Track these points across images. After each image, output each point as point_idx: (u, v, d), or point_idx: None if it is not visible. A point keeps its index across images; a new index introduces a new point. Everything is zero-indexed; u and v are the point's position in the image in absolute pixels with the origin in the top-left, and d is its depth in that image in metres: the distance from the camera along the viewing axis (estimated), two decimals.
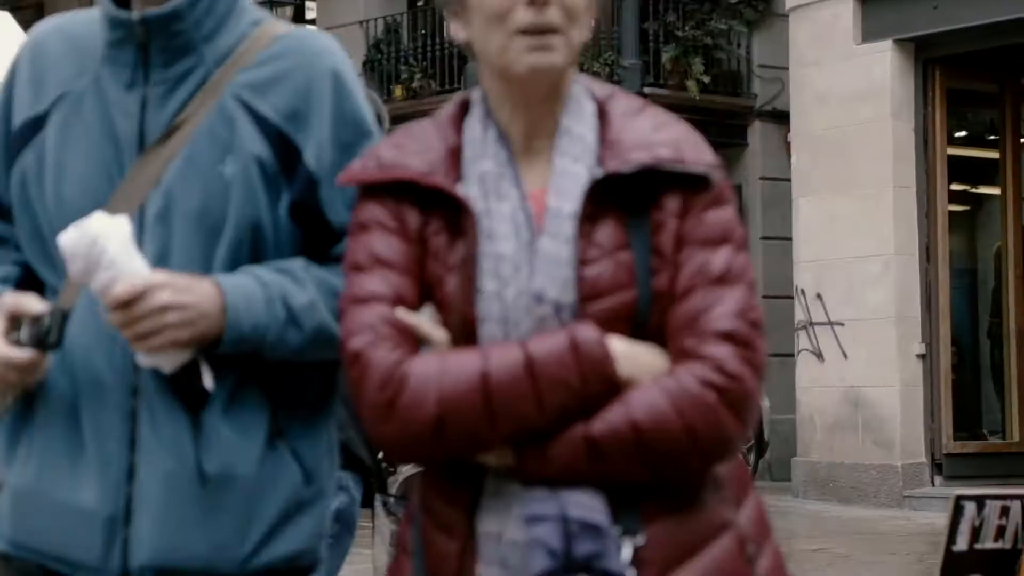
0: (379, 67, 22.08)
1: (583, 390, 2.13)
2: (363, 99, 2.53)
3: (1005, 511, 3.96)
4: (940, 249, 14.07)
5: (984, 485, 10.78)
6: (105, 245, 2.32)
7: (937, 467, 14.03)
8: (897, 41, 14.11)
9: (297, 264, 2.46)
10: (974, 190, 16.19)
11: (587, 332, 2.15)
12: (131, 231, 2.36)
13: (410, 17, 22.38)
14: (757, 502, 2.33)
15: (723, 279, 2.20)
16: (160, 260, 2.42)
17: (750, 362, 2.17)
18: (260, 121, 2.46)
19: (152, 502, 2.43)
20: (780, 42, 16.54)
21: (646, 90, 20.35)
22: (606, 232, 2.21)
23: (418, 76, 21.51)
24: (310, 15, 24.54)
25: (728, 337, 2.16)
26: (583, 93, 2.30)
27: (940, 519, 4.31)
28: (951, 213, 14.51)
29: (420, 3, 22.80)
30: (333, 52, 2.55)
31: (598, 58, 20.74)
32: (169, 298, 2.33)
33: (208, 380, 2.39)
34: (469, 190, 2.23)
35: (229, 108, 2.46)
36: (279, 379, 2.48)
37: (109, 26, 2.50)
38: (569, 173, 2.23)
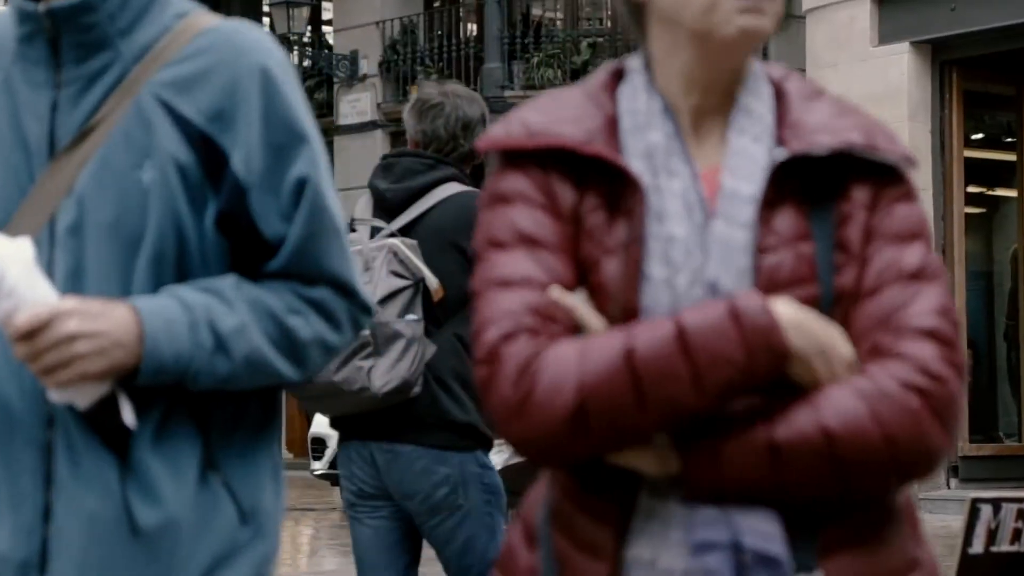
0: (395, 68, 22.09)
1: (748, 366, 1.84)
2: (298, 100, 2.28)
3: (1021, 514, 3.95)
4: (956, 251, 14.04)
5: (1000, 488, 10.75)
6: (4, 271, 2.11)
7: (953, 469, 13.99)
8: (914, 43, 14.08)
9: (227, 283, 2.22)
10: (990, 192, 16.16)
11: (749, 299, 1.87)
12: (35, 254, 2.14)
13: (426, 18, 22.39)
14: (926, 539, 2.05)
15: (918, 275, 1.94)
16: (74, 277, 2.20)
17: (954, 364, 1.91)
18: (181, 123, 2.22)
19: (71, 546, 2.19)
20: (797, 44, 16.51)
21: None
22: (786, 220, 1.95)
23: (434, 77, 21.51)
24: (326, 15, 24.57)
25: (931, 335, 1.90)
26: (761, 71, 2.07)
27: (956, 522, 4.31)
28: (967, 215, 14.48)
29: (436, 3, 22.82)
30: (264, 48, 2.27)
31: (614, 59, 20.72)
32: (77, 326, 2.10)
33: (129, 416, 2.16)
34: (632, 164, 1.97)
35: (147, 108, 2.22)
36: (211, 404, 2.24)
37: (18, 20, 2.27)
38: (747, 153, 1.99)
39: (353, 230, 4.75)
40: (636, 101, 2.02)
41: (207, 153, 2.22)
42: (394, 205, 4.78)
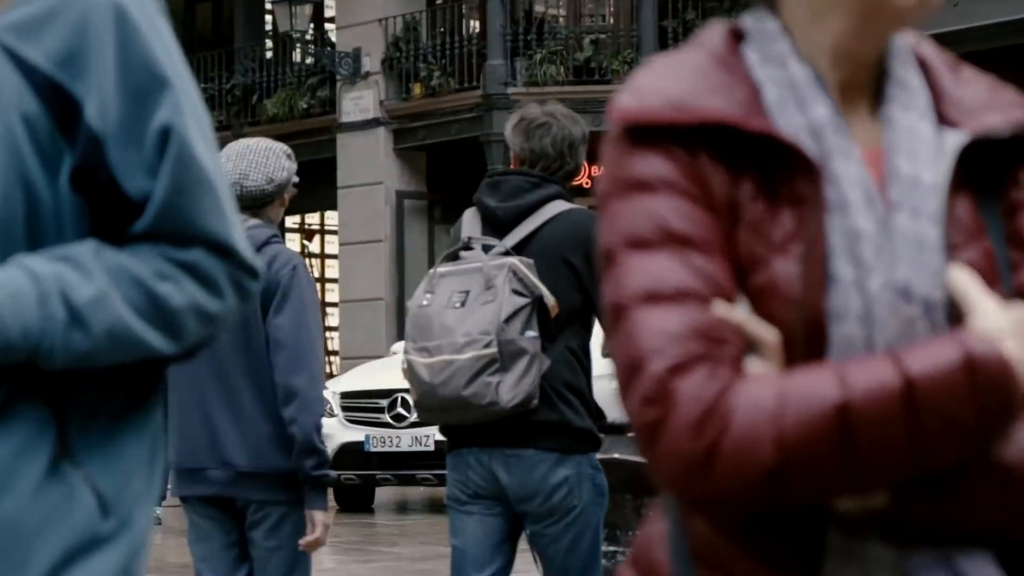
0: (398, 65, 22.06)
1: (975, 427, 1.54)
2: (161, 39, 2.03)
3: None
4: None
5: None
6: None
7: None
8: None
9: (85, 249, 1.98)
10: None
11: (984, 344, 1.54)
12: None
13: (429, 15, 22.37)
14: None
15: None
16: None
17: None
18: (27, 70, 1.98)
19: None
20: None
21: None
22: (965, 212, 1.67)
23: (437, 74, 21.49)
24: (329, 13, 24.54)
25: None
26: (901, 39, 1.76)
27: None
28: None
29: (439, 1, 22.79)
30: None
31: (617, 55, 20.70)
32: None
33: None
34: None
35: None
36: (68, 384, 2.00)
37: None
38: (918, 133, 1.69)
39: (470, 248, 5.00)
40: (785, 69, 1.68)
41: (57, 102, 1.98)
42: (504, 222, 4.99)
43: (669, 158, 1.62)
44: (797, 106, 1.66)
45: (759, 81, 1.68)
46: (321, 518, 5.14)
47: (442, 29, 22.02)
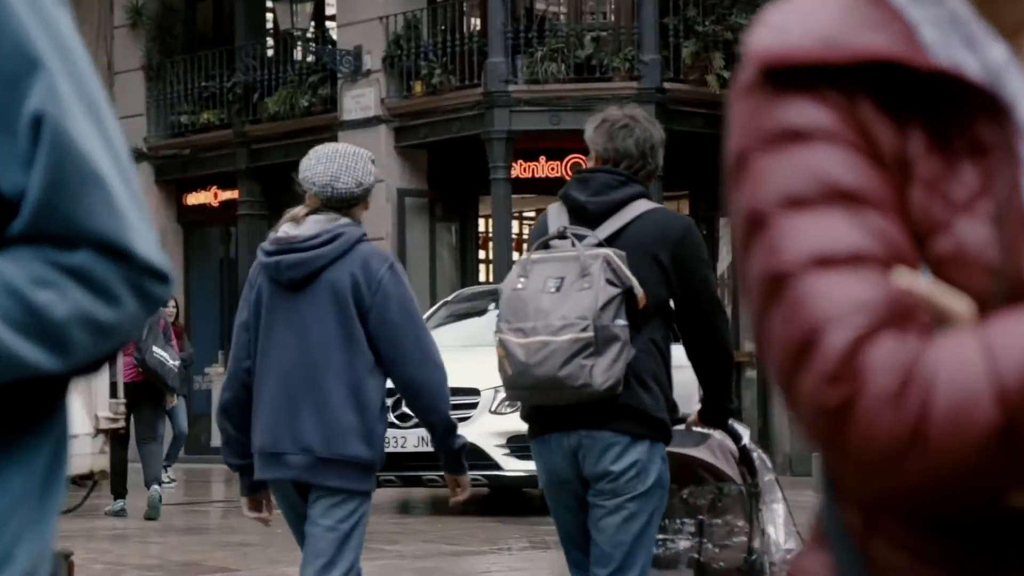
0: (399, 63, 22.05)
1: None
2: (36, 17, 1.76)
3: None
4: None
5: None
6: None
7: None
8: None
9: None
10: None
11: None
12: None
13: (430, 12, 22.36)
14: None
15: None
16: None
17: None
18: None
19: None
20: None
21: (666, 85, 20.30)
22: None
23: (438, 72, 21.47)
24: (330, 11, 24.54)
25: None
26: None
27: None
28: None
29: None
30: None
31: (618, 53, 20.69)
32: None
33: None
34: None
35: None
36: None
37: None
38: None
39: (564, 237, 5.27)
40: (942, 6, 1.42)
41: None
42: (594, 216, 5.28)
43: (824, 103, 1.38)
44: (965, 46, 1.41)
45: (913, 21, 1.41)
46: (467, 480, 5.73)
47: (443, 27, 22.01)
